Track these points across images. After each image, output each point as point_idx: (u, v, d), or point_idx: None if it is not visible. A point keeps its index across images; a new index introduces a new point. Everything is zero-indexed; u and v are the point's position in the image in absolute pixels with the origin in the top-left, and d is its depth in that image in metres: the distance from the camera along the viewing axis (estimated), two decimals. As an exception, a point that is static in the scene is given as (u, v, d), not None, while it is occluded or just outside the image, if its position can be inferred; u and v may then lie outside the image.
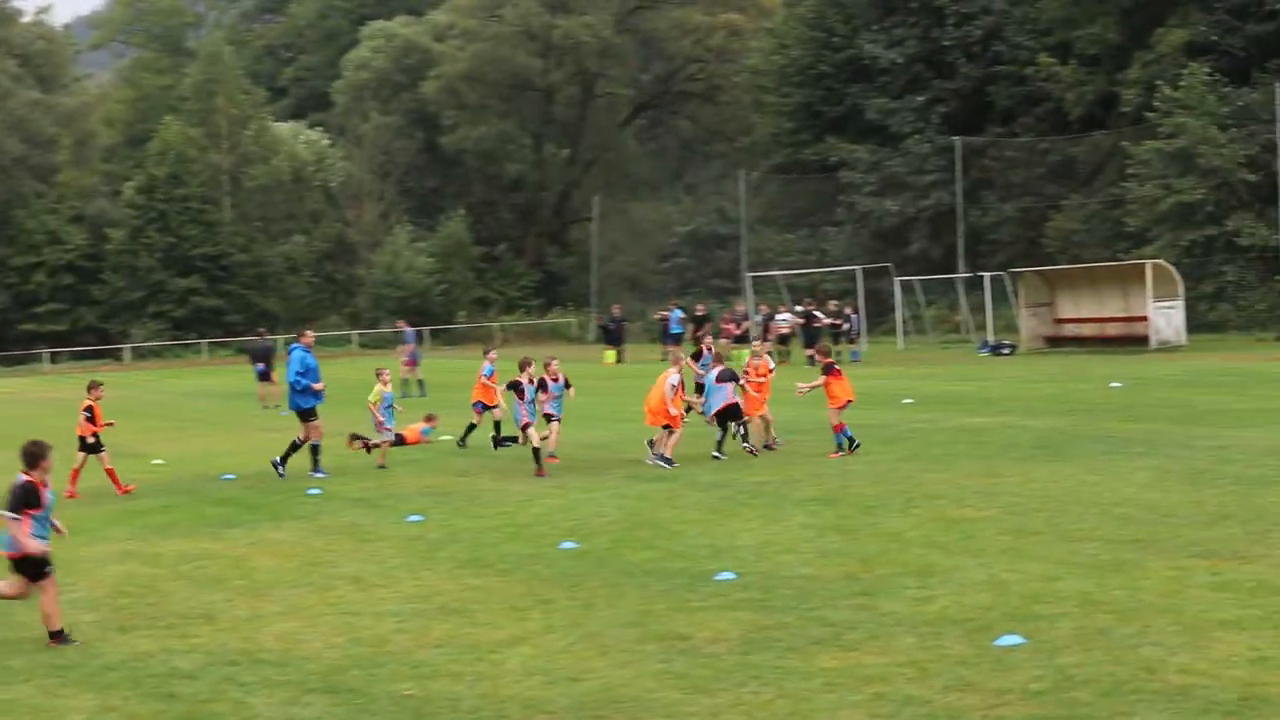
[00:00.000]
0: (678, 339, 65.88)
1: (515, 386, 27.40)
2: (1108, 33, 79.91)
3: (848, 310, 67.40)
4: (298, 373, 28.24)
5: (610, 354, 68.74)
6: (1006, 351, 64.17)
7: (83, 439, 27.00)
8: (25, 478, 14.92)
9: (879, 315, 78.51)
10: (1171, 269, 64.89)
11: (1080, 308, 68.22)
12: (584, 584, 16.29)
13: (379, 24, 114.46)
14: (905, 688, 11.58)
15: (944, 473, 24.18)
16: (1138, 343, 60.29)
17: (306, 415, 28.38)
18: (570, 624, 14.42)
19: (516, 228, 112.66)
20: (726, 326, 68.82)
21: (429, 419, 33.91)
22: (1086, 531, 18.27)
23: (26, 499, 14.74)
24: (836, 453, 27.31)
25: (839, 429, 27.54)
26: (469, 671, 12.76)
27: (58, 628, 14.74)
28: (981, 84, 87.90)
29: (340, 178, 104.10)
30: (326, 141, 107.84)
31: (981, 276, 72.55)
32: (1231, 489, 21.28)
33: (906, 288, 75.15)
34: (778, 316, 65.72)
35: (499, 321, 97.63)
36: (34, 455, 15.02)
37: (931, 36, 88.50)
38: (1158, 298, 62.85)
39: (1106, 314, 66.71)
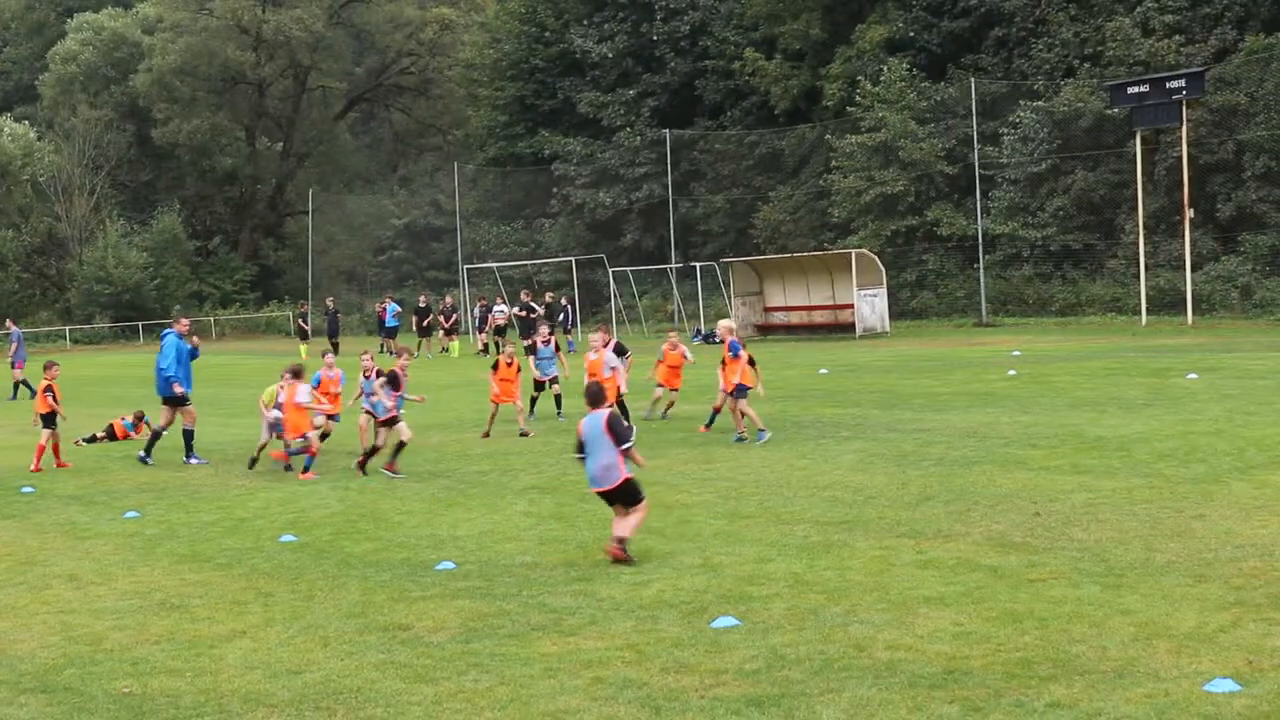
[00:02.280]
0: (393, 332, 65.41)
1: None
2: (811, 29, 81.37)
3: (563, 301, 67.76)
4: (172, 360, 27.86)
5: (308, 348, 67.74)
6: (717, 340, 65.04)
7: (45, 415, 27.98)
8: None
9: (594, 305, 78.94)
10: (875, 258, 66.48)
11: (789, 296, 69.51)
12: (304, 576, 16.12)
13: (87, 16, 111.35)
14: (624, 670, 11.68)
15: (659, 459, 24.41)
16: (844, 330, 61.62)
17: (175, 401, 27.89)
18: (291, 617, 14.26)
19: (232, 221, 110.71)
20: (439, 318, 68.66)
21: (138, 416, 33.38)
22: (797, 514, 18.63)
23: None
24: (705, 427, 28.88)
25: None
26: (189, 667, 12.53)
27: None
28: (690, 78, 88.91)
29: (50, 172, 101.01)
30: (34, 135, 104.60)
31: (693, 266, 73.47)
32: (934, 470, 21.90)
33: (620, 278, 75.72)
34: (495, 308, 65.66)
35: (214, 316, 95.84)
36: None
37: (641, 31, 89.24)
38: (862, 286, 64.33)
39: (814, 302, 68.09)
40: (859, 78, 76.57)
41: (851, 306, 64.26)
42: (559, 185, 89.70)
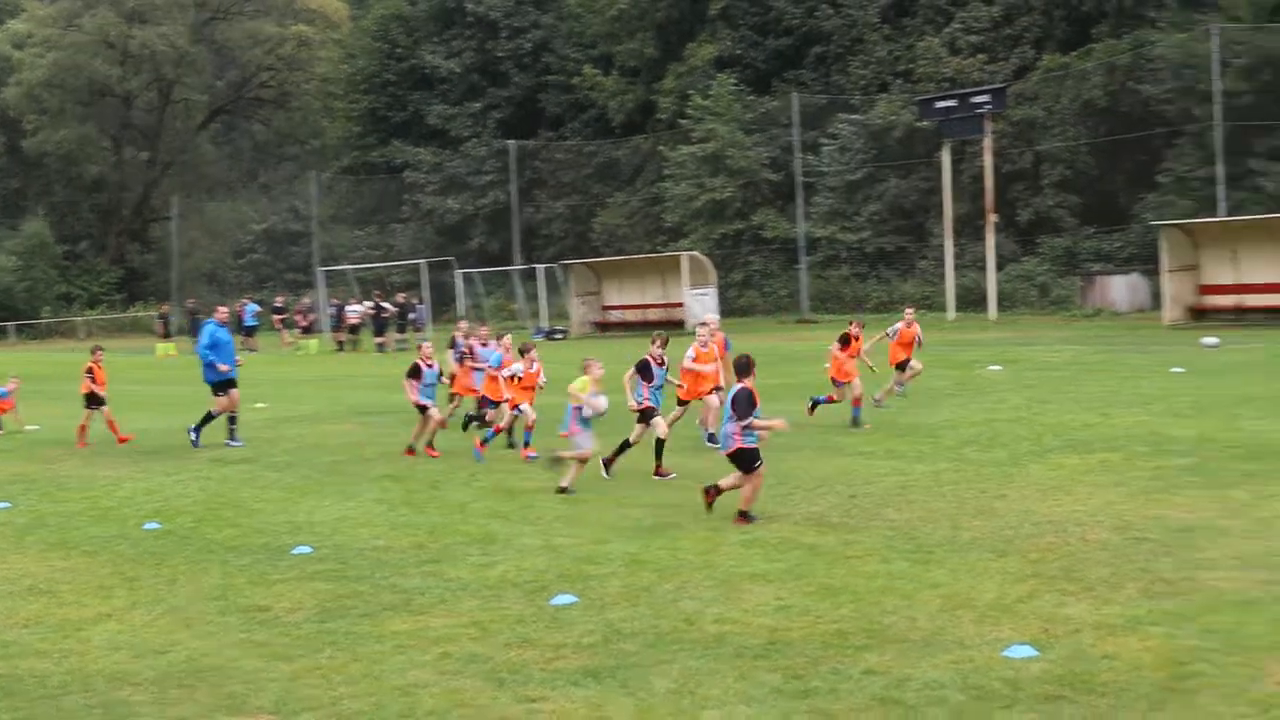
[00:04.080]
0: (252, 331, 64.66)
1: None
2: (645, 48, 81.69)
3: (414, 301, 67.43)
4: (205, 347, 27.14)
5: (167, 347, 66.66)
6: (559, 336, 65.09)
7: (87, 395, 28.65)
8: None
9: (443, 305, 78.59)
10: (705, 260, 66.86)
11: (625, 295, 69.76)
12: (168, 561, 15.87)
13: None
14: (470, 646, 11.64)
15: (504, 449, 24.38)
16: (675, 326, 61.89)
17: (219, 388, 27.15)
18: (155, 600, 14.03)
19: (98, 226, 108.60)
20: (296, 317, 68.12)
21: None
22: (633, 499, 18.67)
23: None
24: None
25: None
26: (56, 649, 12.28)
27: None
28: (533, 92, 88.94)
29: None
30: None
31: (535, 268, 73.40)
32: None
33: (468, 279, 75.48)
34: (348, 308, 65.21)
35: (83, 316, 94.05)
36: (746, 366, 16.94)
37: (486, 49, 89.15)
38: (693, 285, 64.65)
39: (648, 301, 68.34)
40: (690, 92, 77.05)
41: (681, 304, 64.55)
42: (410, 192, 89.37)
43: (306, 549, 16.08)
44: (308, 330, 66.29)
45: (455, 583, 14.04)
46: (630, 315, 68.76)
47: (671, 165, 77.19)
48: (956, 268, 66.21)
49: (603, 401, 19.51)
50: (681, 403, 24.06)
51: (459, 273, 74.55)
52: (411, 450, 24.60)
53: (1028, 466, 20.05)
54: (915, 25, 76.35)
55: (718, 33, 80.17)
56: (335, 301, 68.13)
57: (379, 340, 62.27)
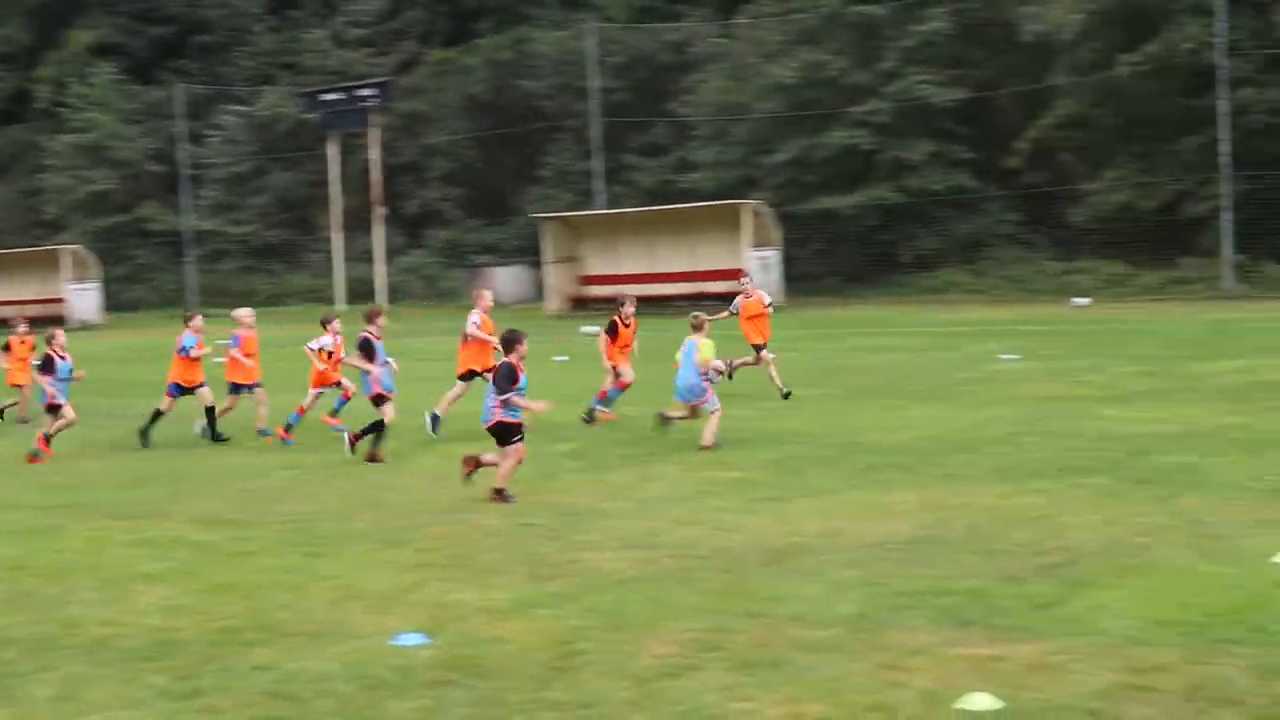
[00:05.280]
0: None
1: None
2: (19, 33, 78.17)
3: None
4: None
5: None
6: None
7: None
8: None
9: None
10: (87, 253, 64.50)
11: (1, 291, 66.56)
12: None
13: None
14: None
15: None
16: (57, 322, 59.46)
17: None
18: None
19: None
20: None
21: None
22: (13, 500, 17.87)
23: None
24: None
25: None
26: None
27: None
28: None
29: None
30: None
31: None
32: (154, 455, 21.59)
33: None
34: None
35: None
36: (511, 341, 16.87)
37: None
38: (76, 280, 62.31)
39: (27, 296, 65.35)
40: (68, 79, 74.14)
41: (62, 300, 62.25)
42: None
43: None
44: None
45: None
46: (7, 311, 65.59)
47: (50, 156, 74.16)
48: (346, 260, 66.40)
49: (721, 364, 20.98)
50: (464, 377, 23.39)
51: None
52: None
53: (419, 457, 20.34)
54: (301, 17, 76.07)
55: (96, 19, 77.46)
56: None
57: None
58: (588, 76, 65.53)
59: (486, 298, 24.76)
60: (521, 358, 16.77)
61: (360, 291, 65.18)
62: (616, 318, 24.41)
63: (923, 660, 9.80)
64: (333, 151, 66.03)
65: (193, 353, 23.35)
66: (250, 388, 23.87)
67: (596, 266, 60.06)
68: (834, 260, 61.87)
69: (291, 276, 70.42)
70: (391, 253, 67.22)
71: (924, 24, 58.95)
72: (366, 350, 21.11)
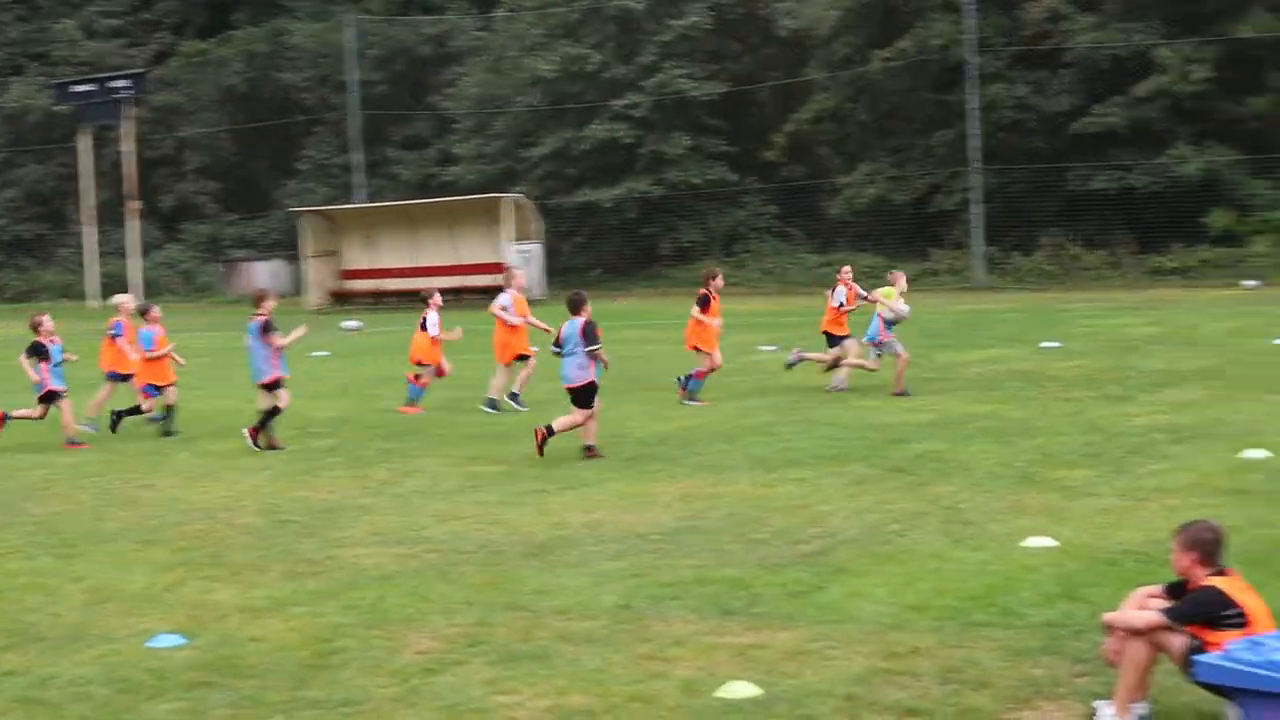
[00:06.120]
0: None
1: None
2: None
3: None
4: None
5: None
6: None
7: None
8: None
9: None
10: None
11: None
12: None
13: None
14: None
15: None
16: None
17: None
18: None
19: None
20: None
21: None
22: None
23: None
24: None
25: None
26: None
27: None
28: None
29: None
30: None
31: None
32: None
33: None
34: None
35: None
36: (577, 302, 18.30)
37: None
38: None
39: None
40: None
41: None
42: None
43: None
44: None
45: None
46: None
47: None
48: (101, 255, 64.78)
49: (906, 308, 22.35)
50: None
51: None
52: None
53: (175, 454, 19.93)
54: (49, 6, 73.99)
55: None
56: None
57: None
58: (346, 69, 64.88)
59: (520, 278, 24.67)
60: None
61: (114, 287, 63.45)
62: (706, 289, 23.92)
63: (684, 650, 9.89)
64: (84, 144, 64.29)
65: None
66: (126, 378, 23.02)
67: (357, 260, 59.52)
68: (596, 253, 62.20)
69: (42, 272, 68.54)
70: (148, 247, 65.75)
71: (682, 18, 59.47)
72: (38, 353, 20.76)
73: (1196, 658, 7.31)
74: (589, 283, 59.68)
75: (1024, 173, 53.62)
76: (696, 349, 23.76)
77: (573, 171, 60.84)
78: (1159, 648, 8.05)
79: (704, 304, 23.69)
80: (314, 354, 35.09)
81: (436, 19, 69.05)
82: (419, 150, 67.22)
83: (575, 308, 18.23)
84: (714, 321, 23.70)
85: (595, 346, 17.88)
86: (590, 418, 18.06)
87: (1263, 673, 6.71)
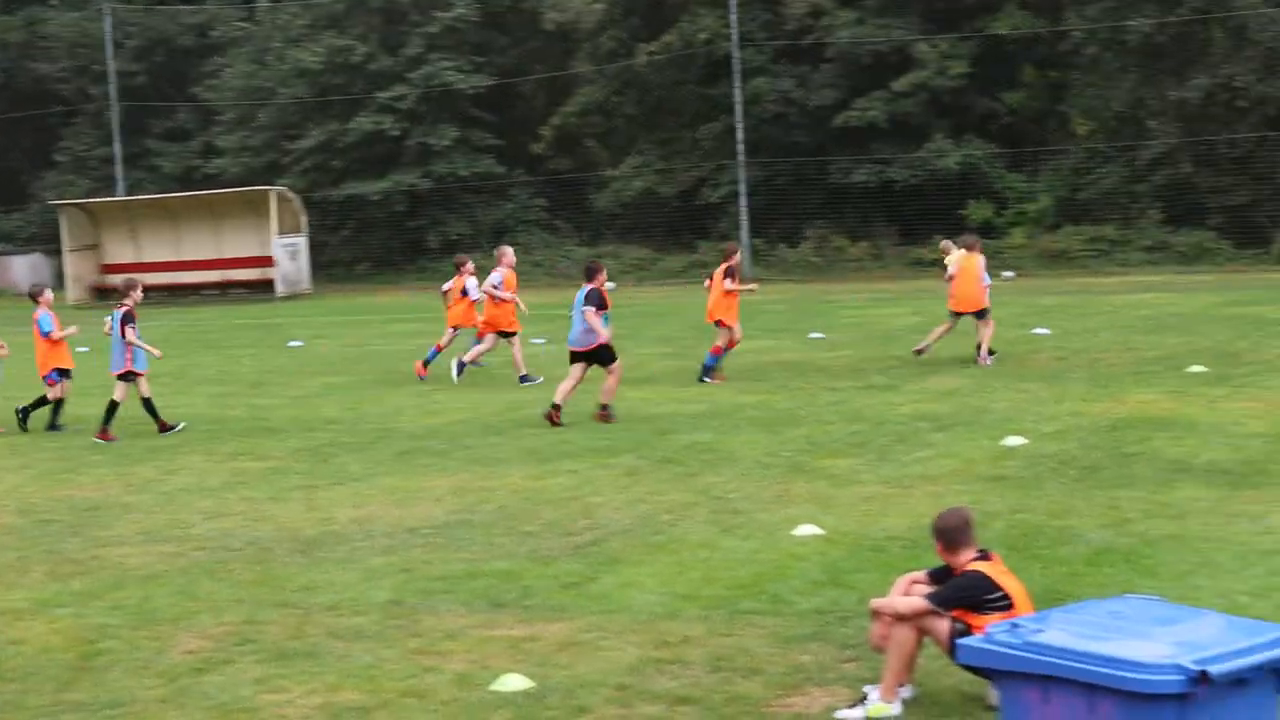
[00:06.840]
0: None
1: None
2: None
3: None
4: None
5: None
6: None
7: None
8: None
9: None
10: None
11: None
12: None
13: None
14: None
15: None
16: None
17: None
18: None
19: None
20: None
21: None
22: None
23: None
24: None
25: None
26: None
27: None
28: None
29: None
30: None
31: None
32: None
33: None
34: None
35: None
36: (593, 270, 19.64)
37: None
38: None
39: None
40: None
41: None
42: None
43: None
44: None
45: None
46: None
47: None
48: None
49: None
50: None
51: None
52: None
53: (-73, 454, 19.30)
54: None
55: None
56: None
57: None
58: (105, 59, 63.33)
59: (509, 255, 25.54)
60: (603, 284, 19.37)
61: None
62: (730, 262, 24.32)
63: (457, 644, 9.89)
64: None
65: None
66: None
67: (119, 254, 58.05)
68: (364, 247, 61.57)
69: None
70: None
71: (448, 10, 59.12)
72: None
73: (959, 641, 7.50)
74: (356, 276, 59.24)
75: (788, 165, 54.37)
76: (719, 323, 24.11)
77: (339, 164, 60.10)
78: (925, 632, 8.26)
79: (731, 276, 24.06)
80: (81, 349, 34.17)
81: (197, 8, 67.64)
82: (182, 142, 65.86)
83: (590, 275, 19.49)
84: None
85: (592, 308, 19.00)
86: (617, 375, 19.53)
87: (1020, 654, 6.90)
